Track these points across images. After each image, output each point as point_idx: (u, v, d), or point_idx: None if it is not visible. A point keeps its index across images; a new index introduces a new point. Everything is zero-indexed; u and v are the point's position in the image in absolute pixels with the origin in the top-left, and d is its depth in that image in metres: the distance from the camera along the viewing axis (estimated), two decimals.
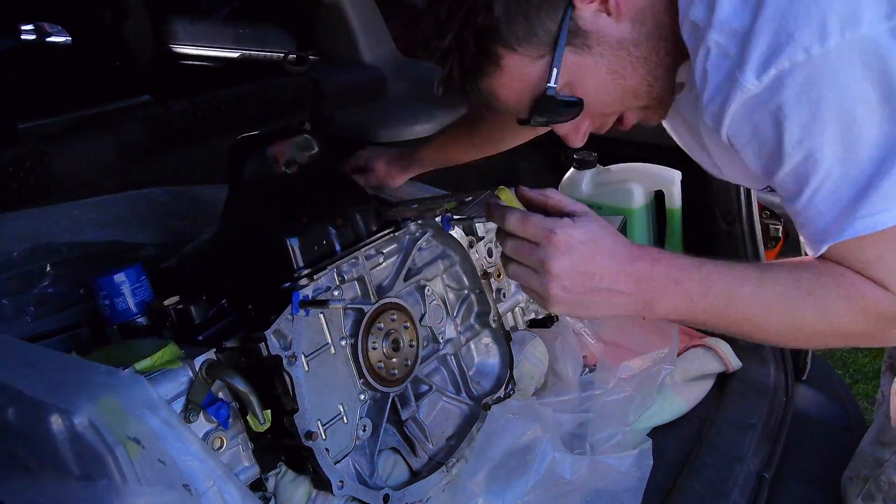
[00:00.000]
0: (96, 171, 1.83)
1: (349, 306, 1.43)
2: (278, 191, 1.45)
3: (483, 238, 1.69)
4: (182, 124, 1.98)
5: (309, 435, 1.28)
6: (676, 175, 2.09)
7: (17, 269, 1.50)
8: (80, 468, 1.12)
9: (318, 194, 1.50)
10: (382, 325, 1.46)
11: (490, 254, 1.74)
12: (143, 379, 1.13)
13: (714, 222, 2.02)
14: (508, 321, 1.82)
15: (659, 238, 2.21)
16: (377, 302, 1.46)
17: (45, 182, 1.72)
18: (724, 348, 1.94)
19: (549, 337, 1.92)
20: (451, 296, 1.66)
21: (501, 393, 1.68)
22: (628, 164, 2.19)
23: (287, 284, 1.34)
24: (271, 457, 1.34)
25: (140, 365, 1.23)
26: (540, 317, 1.88)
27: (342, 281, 1.42)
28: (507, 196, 1.96)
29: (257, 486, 1.39)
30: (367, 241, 1.48)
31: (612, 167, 2.21)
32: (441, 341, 1.61)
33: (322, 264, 1.39)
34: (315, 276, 1.35)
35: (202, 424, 1.24)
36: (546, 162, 2.51)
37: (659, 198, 2.16)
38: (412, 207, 1.91)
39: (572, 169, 2.23)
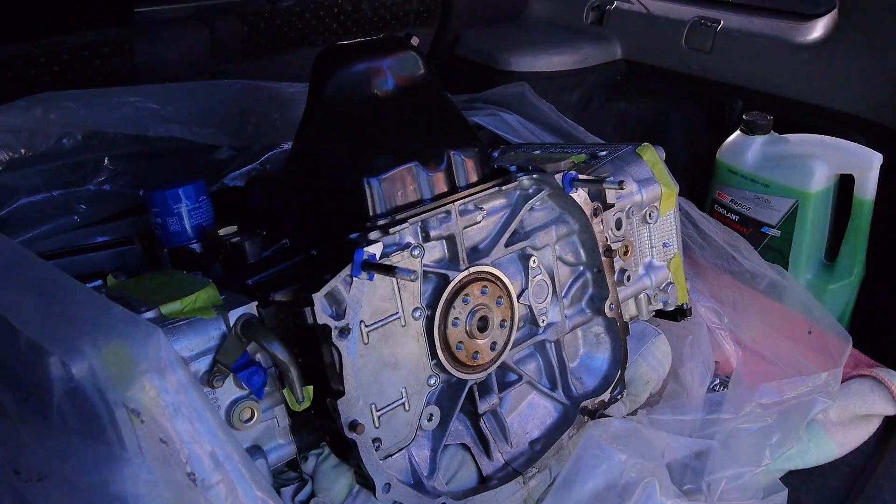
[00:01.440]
0: (184, 66, 1.62)
1: (431, 270, 1.16)
2: (364, 116, 1.18)
3: (612, 206, 1.35)
4: (288, 24, 1.73)
5: (354, 426, 1.03)
6: (875, 158, 1.63)
7: (67, 157, 1.31)
8: (79, 423, 0.92)
9: (413, 126, 1.21)
10: (470, 297, 1.18)
11: (619, 226, 1.40)
12: (159, 330, 0.91)
13: None
14: (629, 310, 1.49)
15: (836, 235, 1.79)
16: (467, 268, 1.17)
17: (126, 71, 1.53)
18: None
19: (676, 333, 1.58)
20: (563, 271, 1.35)
21: (606, 396, 1.37)
22: (812, 135, 1.76)
23: (354, 235, 1.07)
24: (313, 435, 1.11)
25: (167, 308, 1.02)
26: (669, 308, 1.54)
27: (426, 238, 1.14)
28: (650, 155, 1.60)
29: (293, 465, 1.17)
30: (466, 191, 1.19)
31: (791, 136, 1.78)
32: (541, 324, 1.31)
33: (404, 215, 1.12)
34: (391, 229, 1.08)
35: (230, 389, 1.02)
36: (705, 117, 2.09)
37: (845, 183, 1.72)
38: (530, 154, 1.59)
39: (739, 132, 1.81)
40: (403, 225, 1.09)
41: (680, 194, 1.55)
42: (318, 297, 0.98)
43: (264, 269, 1.15)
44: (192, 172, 1.51)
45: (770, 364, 1.61)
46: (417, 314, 1.13)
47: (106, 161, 1.40)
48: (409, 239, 1.13)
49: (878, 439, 1.51)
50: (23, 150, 1.22)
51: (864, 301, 1.75)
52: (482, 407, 1.25)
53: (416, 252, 1.11)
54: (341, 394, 1.02)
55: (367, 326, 1.07)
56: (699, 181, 1.92)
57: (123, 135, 1.35)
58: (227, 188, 1.38)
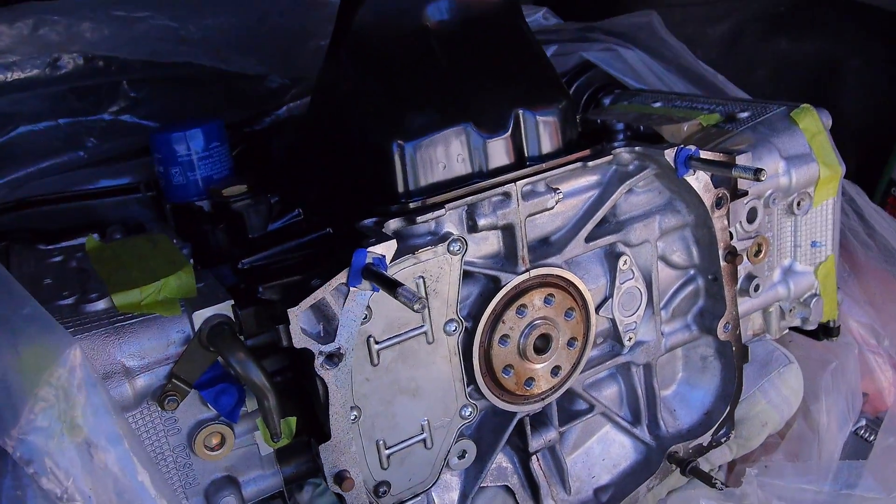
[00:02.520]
0: None
1: (478, 270, 0.87)
2: (406, 55, 0.87)
3: (745, 194, 0.99)
4: None
5: (340, 479, 0.78)
6: None
7: (69, 82, 1.09)
8: None
9: (471, 73, 0.89)
10: (527, 308, 0.88)
11: (752, 217, 1.04)
12: (76, 346, 0.68)
13: None
14: (752, 325, 1.14)
15: None
16: (527, 270, 0.87)
17: None
18: None
19: (814, 356, 1.21)
20: (665, 275, 1.01)
21: (706, 439, 1.05)
22: None
23: (369, 221, 0.79)
24: (306, 465, 0.87)
25: (122, 298, 0.79)
26: (810, 327, 1.17)
27: (473, 228, 0.85)
28: (809, 122, 1.19)
29: (283, 497, 0.94)
30: (536, 167, 0.87)
31: None
32: (626, 343, 0.99)
33: (441, 197, 0.82)
34: (419, 217, 0.79)
35: (195, 407, 0.79)
36: (890, 65, 1.61)
37: None
38: (647, 107, 1.22)
39: None
40: (438, 212, 0.80)
41: (847, 175, 1.16)
42: (297, 313, 0.71)
43: (264, 248, 0.90)
44: (234, 105, 1.27)
45: None
46: (452, 328, 0.84)
47: (124, 85, 1.17)
48: (450, 227, 0.84)
49: None
50: (10, 74, 1.02)
51: None
52: (535, 444, 0.97)
53: (454, 247, 0.81)
54: (326, 438, 0.77)
55: (378, 343, 0.80)
56: (875, 153, 1.47)
57: (141, 60, 1.11)
58: (246, 132, 1.12)
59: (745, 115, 1.13)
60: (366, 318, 0.78)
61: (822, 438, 1.15)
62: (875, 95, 1.57)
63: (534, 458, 0.99)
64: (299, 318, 0.72)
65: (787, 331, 1.19)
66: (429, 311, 0.83)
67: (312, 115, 0.96)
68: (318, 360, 0.73)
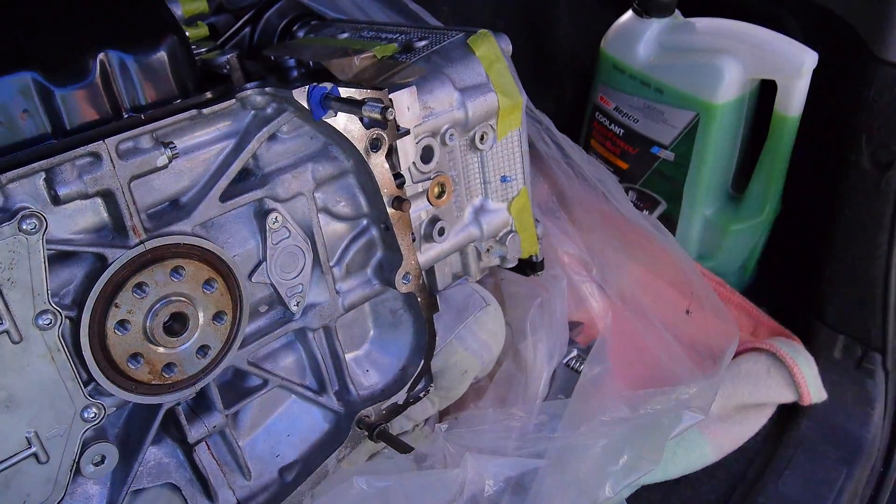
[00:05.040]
0: None
1: (74, 248, 0.72)
2: None
3: (406, 133, 0.90)
4: None
5: None
6: (808, 58, 1.16)
7: None
8: None
9: (45, 12, 0.73)
10: (149, 286, 0.75)
11: (427, 157, 0.97)
12: None
13: (853, 158, 1.15)
14: (450, 269, 1.09)
15: (749, 161, 1.34)
16: (141, 242, 0.74)
17: None
18: (804, 363, 1.18)
19: (522, 293, 1.19)
20: (333, 229, 0.92)
21: (401, 397, 0.99)
22: (725, 20, 1.26)
23: None
24: None
25: None
26: (510, 264, 1.14)
27: (56, 199, 0.70)
28: (487, 49, 1.12)
29: None
30: (135, 117, 0.73)
31: (699, 22, 1.29)
32: (294, 308, 0.89)
33: (3, 159, 0.66)
34: None
35: None
36: None
37: (765, 92, 1.27)
38: (332, 39, 1.11)
39: (630, 12, 1.33)
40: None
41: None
42: None
43: None
44: None
45: (648, 326, 1.24)
46: (46, 321, 0.70)
47: None
48: (25, 201, 0.69)
49: (767, 435, 1.17)
50: None
51: (776, 246, 1.36)
52: (194, 434, 0.85)
53: (28, 224, 0.66)
54: None
55: None
56: (587, 81, 1.45)
57: None
58: None
59: (422, 43, 1.05)
60: None
61: (528, 377, 1.13)
62: (587, 22, 1.54)
63: (201, 447, 0.87)
64: None
65: (486, 272, 1.15)
66: (6, 306, 0.68)
67: None
68: None
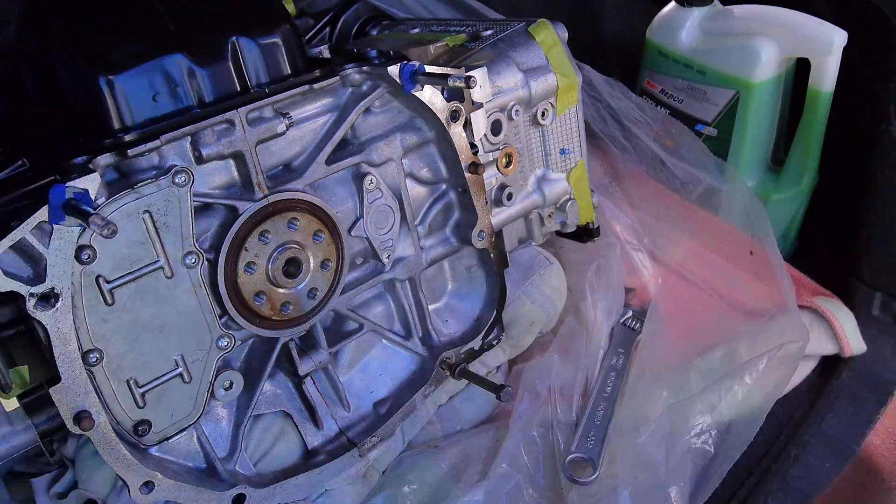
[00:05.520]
0: None
1: (212, 200, 0.87)
2: None
3: (480, 106, 1.04)
4: None
5: (79, 419, 0.77)
6: (838, 37, 1.28)
7: None
8: None
9: (184, 2, 0.88)
10: (270, 234, 0.90)
11: (497, 130, 1.10)
12: None
13: (883, 127, 1.26)
14: (516, 233, 1.21)
15: (787, 134, 1.46)
16: (265, 196, 0.88)
17: None
18: (845, 318, 1.27)
19: (582, 259, 1.31)
20: (417, 192, 1.06)
21: (477, 343, 1.12)
22: (760, 6, 1.39)
23: (80, 159, 0.77)
24: (59, 416, 0.85)
25: None
26: (569, 229, 1.26)
27: (199, 159, 0.85)
28: (545, 35, 1.26)
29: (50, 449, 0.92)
30: (260, 91, 0.88)
31: (737, 9, 1.42)
32: (385, 260, 1.03)
33: (157, 127, 0.81)
34: (131, 150, 0.78)
35: None
36: None
37: (801, 70, 1.39)
38: (405, 34, 1.25)
39: (673, 3, 1.46)
40: (152, 143, 0.79)
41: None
42: None
43: None
44: None
45: (698, 291, 1.35)
46: (191, 260, 0.85)
47: None
48: (175, 160, 0.84)
49: (812, 385, 1.27)
50: None
51: (815, 214, 1.47)
52: (304, 367, 0.99)
53: (179, 178, 0.81)
54: (56, 380, 0.76)
55: (108, 283, 0.79)
56: (634, 69, 1.58)
57: None
58: None
59: (488, 33, 1.18)
60: (88, 257, 0.76)
61: (589, 332, 1.25)
62: (631, 14, 1.67)
63: (308, 380, 1.01)
64: (1, 261, 0.70)
65: (553, 235, 1.27)
66: (162, 246, 0.82)
67: (19, 44, 0.91)
68: (30, 302, 0.72)
